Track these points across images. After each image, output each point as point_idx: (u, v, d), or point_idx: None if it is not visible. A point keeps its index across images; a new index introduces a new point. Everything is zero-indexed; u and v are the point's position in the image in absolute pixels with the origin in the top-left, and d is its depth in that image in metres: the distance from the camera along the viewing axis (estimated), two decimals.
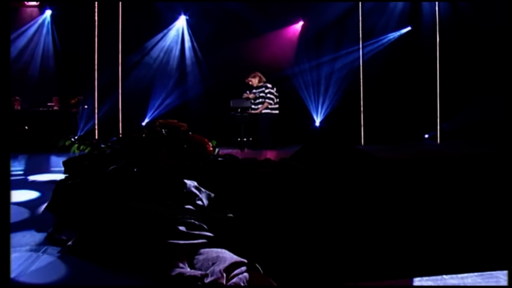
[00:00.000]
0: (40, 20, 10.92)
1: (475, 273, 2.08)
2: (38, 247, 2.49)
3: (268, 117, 8.76)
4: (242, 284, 1.95)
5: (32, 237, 2.73)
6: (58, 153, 8.86)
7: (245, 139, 8.80)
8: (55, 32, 10.85)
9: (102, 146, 5.83)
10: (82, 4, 10.40)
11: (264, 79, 9.00)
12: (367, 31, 11.29)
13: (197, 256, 2.16)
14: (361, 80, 11.33)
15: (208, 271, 1.94)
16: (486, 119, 10.01)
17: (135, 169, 3.50)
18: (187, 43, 11.16)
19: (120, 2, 10.29)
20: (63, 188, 3.41)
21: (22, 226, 3.03)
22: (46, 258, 2.32)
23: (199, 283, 1.84)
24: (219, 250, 2.23)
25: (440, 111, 11.22)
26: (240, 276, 2.01)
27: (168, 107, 10.69)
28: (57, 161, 7.46)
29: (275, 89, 8.89)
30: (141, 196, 3.13)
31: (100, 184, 3.19)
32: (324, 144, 9.28)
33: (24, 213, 3.43)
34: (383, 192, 3.79)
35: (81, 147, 6.21)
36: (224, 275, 1.94)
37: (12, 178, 5.60)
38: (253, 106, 8.95)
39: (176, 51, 11.07)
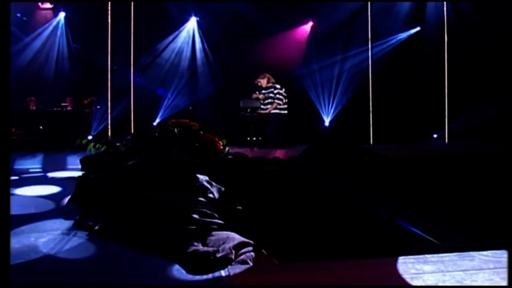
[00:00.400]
0: (54, 22, 11.37)
1: (454, 253, 2.41)
2: (68, 232, 2.86)
3: (277, 117, 9.09)
4: (249, 261, 2.30)
5: (62, 223, 3.10)
6: (72, 151, 9.29)
7: (254, 139, 9.14)
8: (69, 34, 11.29)
9: (117, 144, 6.20)
10: (94, 6, 10.84)
11: (273, 80, 9.33)
12: (375, 31, 11.58)
13: (209, 237, 2.52)
14: (370, 80, 11.62)
15: (219, 248, 2.29)
16: (495, 119, 10.22)
17: (152, 164, 3.86)
18: (198, 44, 11.53)
19: (132, 5, 10.70)
20: (86, 182, 3.78)
21: (51, 215, 3.40)
22: (76, 240, 2.68)
23: (212, 257, 2.18)
24: (229, 232, 2.58)
25: (448, 111, 11.47)
26: (247, 254, 2.36)
27: (179, 107, 11.07)
28: (73, 160, 7.88)
29: (283, 89, 9.22)
30: (158, 188, 3.49)
31: (120, 177, 3.56)
32: (331, 143, 9.59)
33: (51, 205, 3.81)
34: (385, 187, 4.10)
35: (97, 145, 6.59)
36: (233, 251, 2.28)
37: (33, 175, 6.02)
38: (262, 106, 9.29)
39: (187, 52, 11.45)
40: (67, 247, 2.54)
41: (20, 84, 10.59)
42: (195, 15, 11.67)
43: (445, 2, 11.56)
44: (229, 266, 2.18)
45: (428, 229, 3.04)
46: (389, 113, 11.39)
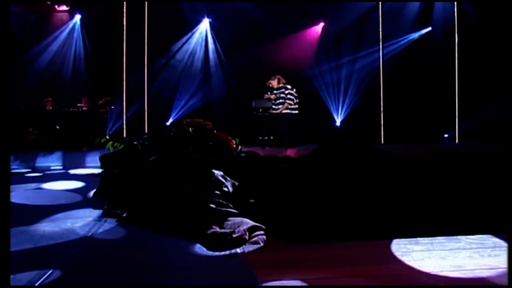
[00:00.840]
0: (70, 24, 11.87)
1: (443, 237, 2.76)
2: (99, 218, 3.27)
3: (288, 117, 9.46)
4: (260, 242, 2.68)
5: (91, 212, 3.50)
6: (89, 150, 9.78)
7: (266, 138, 9.52)
8: (85, 36, 11.77)
9: (135, 143, 6.60)
10: (110, 9, 11.30)
11: (283, 81, 9.70)
12: (385, 32, 11.90)
13: (225, 222, 2.90)
14: (381, 80, 11.94)
15: (235, 230, 2.68)
16: (504, 119, 10.47)
17: (171, 160, 4.26)
18: (211, 46, 11.95)
19: (146, 8, 11.15)
20: (111, 176, 4.20)
21: (80, 205, 3.81)
22: (108, 225, 3.09)
23: (228, 237, 2.57)
24: (243, 218, 2.97)
25: (459, 111, 11.75)
26: (259, 236, 2.74)
27: (192, 108, 11.49)
28: (90, 158, 8.36)
29: (294, 90, 9.58)
30: (178, 181, 3.88)
31: (143, 171, 3.96)
32: (340, 142, 9.92)
33: (78, 197, 4.23)
34: (390, 183, 4.44)
35: (115, 144, 7.00)
36: (247, 233, 2.66)
37: (56, 172, 6.47)
38: (273, 107, 9.66)
39: (200, 53, 11.87)
40: (100, 230, 2.95)
41: (38, 85, 11.08)
42: (208, 17, 12.07)
43: (455, 3, 11.84)
44: (243, 246, 2.56)
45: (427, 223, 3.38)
46: (400, 113, 11.70)
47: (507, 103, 10.37)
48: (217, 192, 3.94)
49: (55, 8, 12.04)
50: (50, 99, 11.55)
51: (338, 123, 12.18)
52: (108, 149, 7.26)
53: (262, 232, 2.80)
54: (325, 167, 5.29)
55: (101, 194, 4.18)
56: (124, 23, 10.70)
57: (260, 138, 9.53)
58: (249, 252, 2.47)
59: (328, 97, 12.07)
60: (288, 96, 9.47)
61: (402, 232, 2.88)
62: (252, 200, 3.93)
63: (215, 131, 7.28)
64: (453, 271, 2.15)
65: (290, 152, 8.21)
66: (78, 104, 11.62)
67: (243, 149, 7.29)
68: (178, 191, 3.51)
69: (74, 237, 2.78)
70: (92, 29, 11.62)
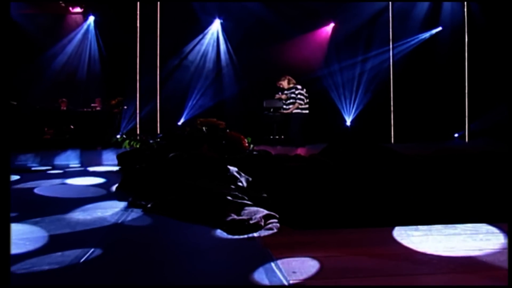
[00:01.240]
0: (85, 26, 12.30)
1: (441, 225, 3.08)
2: (126, 209, 3.62)
3: (298, 116, 9.79)
4: (274, 228, 3.01)
5: (117, 204, 3.86)
6: (103, 149, 10.19)
7: (277, 137, 9.86)
8: (99, 37, 12.20)
9: (151, 142, 6.98)
10: (123, 10, 11.71)
11: (293, 81, 10.03)
12: (395, 32, 12.19)
13: (242, 211, 3.24)
14: (391, 80, 12.23)
15: (252, 217, 3.01)
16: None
17: (189, 157, 4.61)
18: (222, 46, 12.32)
19: (158, 9, 11.54)
20: (133, 172, 4.56)
21: (106, 198, 4.17)
22: (134, 214, 3.44)
23: (246, 223, 2.91)
24: (258, 208, 3.30)
25: (469, 111, 12.01)
26: (273, 224, 3.07)
27: (204, 107, 11.87)
28: (106, 156, 8.77)
29: (304, 90, 9.91)
30: (196, 176, 4.23)
31: (164, 167, 4.32)
32: (349, 141, 10.23)
33: (102, 191, 4.59)
34: (396, 178, 4.74)
35: (132, 143, 7.38)
36: (263, 220, 3.00)
37: (75, 169, 6.85)
38: (284, 106, 10.00)
39: (211, 54, 12.25)
40: (129, 218, 3.30)
41: (54, 86, 11.52)
42: (219, 18, 12.44)
43: (465, 3, 12.10)
44: (259, 231, 2.90)
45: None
46: (410, 112, 11.98)
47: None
48: (232, 186, 4.28)
49: (69, 10, 12.49)
50: (64, 99, 12.00)
51: (348, 123, 12.48)
52: (125, 147, 7.65)
53: (275, 220, 3.14)
54: (335, 164, 5.61)
55: (123, 188, 4.54)
56: (138, 24, 11.10)
57: (271, 137, 9.87)
58: (265, 236, 2.80)
59: (338, 97, 12.39)
60: (299, 96, 9.79)
61: (404, 221, 3.20)
62: (265, 195, 4.26)
63: (228, 130, 7.63)
64: (446, 251, 2.47)
65: (300, 151, 8.52)
66: (92, 104, 12.05)
67: (255, 148, 7.64)
68: (198, 185, 3.85)
69: (106, 223, 3.14)
70: (105, 31, 12.04)
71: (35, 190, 4.65)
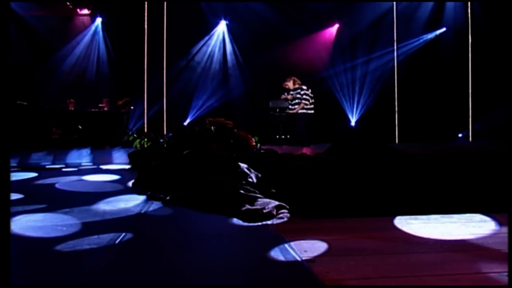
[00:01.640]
0: (93, 27, 12.68)
1: (440, 214, 3.40)
2: (146, 201, 3.96)
3: (304, 116, 10.12)
4: (285, 218, 3.34)
5: (137, 197, 4.20)
6: (111, 148, 10.54)
7: (283, 137, 10.20)
8: (107, 38, 12.57)
9: (161, 140, 7.34)
10: (130, 12, 12.07)
11: (299, 82, 10.36)
12: (399, 33, 12.53)
13: (256, 202, 3.57)
14: (396, 81, 12.55)
15: (265, 207, 3.35)
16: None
17: (202, 154, 4.95)
18: (228, 47, 12.68)
19: (165, 11, 11.90)
20: (149, 168, 4.90)
21: (125, 192, 4.52)
22: (155, 205, 3.77)
23: (260, 212, 3.24)
24: (270, 199, 3.64)
25: (472, 111, 12.33)
26: (284, 214, 3.40)
27: (209, 108, 12.22)
28: (115, 155, 9.11)
29: (310, 90, 10.24)
30: (209, 172, 4.56)
31: (179, 163, 4.66)
32: (353, 140, 10.56)
33: (120, 186, 4.93)
34: (398, 174, 5.06)
35: (143, 142, 7.74)
36: (275, 210, 3.33)
37: (88, 167, 7.20)
38: (290, 107, 10.33)
39: (218, 55, 12.61)
40: (150, 209, 3.64)
41: (64, 87, 11.91)
42: (225, 19, 12.79)
43: (469, 4, 12.42)
44: (272, 220, 3.23)
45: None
46: (414, 113, 12.30)
47: None
48: (243, 182, 4.61)
49: (77, 12, 12.86)
50: (72, 100, 12.37)
51: (353, 123, 12.80)
52: (136, 146, 8.01)
53: (286, 210, 3.46)
54: (340, 162, 5.93)
55: (140, 183, 4.88)
56: (146, 26, 11.45)
57: (277, 137, 10.21)
58: (277, 224, 3.13)
59: (343, 97, 12.72)
60: (304, 96, 10.13)
61: (405, 211, 3.52)
62: (274, 190, 4.59)
63: (235, 130, 7.99)
64: (441, 236, 2.79)
65: (306, 151, 8.83)
66: (100, 105, 12.41)
67: (262, 147, 7.98)
68: (212, 179, 4.19)
69: (130, 213, 3.48)
70: (113, 32, 12.41)
71: (56, 185, 5.00)
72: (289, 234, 2.77)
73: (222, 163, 4.87)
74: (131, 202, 3.93)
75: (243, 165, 4.98)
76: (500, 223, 3.11)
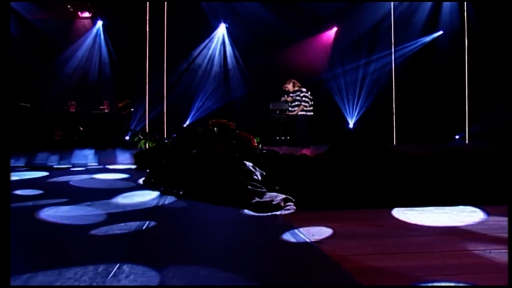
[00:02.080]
0: (94, 30, 13.04)
1: (434, 207, 3.76)
2: (160, 196, 4.31)
3: (303, 118, 10.50)
4: (292, 209, 3.70)
5: (151, 192, 4.54)
6: (112, 150, 10.89)
7: (283, 138, 10.57)
8: (108, 41, 12.93)
9: (166, 141, 7.69)
10: (130, 14, 12.42)
11: (298, 84, 10.75)
12: (397, 36, 12.93)
13: (264, 196, 3.93)
14: (393, 83, 12.95)
15: (273, 199, 3.70)
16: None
17: (209, 153, 5.31)
18: (228, 50, 13.05)
19: (165, 14, 12.26)
20: (159, 166, 5.26)
21: (138, 188, 4.87)
22: (170, 199, 4.13)
23: (269, 204, 3.60)
24: (277, 193, 4.00)
25: (469, 113, 12.74)
26: (291, 206, 3.76)
27: (211, 109, 12.58)
28: (118, 156, 9.45)
29: (309, 92, 10.62)
30: (217, 169, 4.92)
31: (188, 161, 5.01)
32: (352, 141, 10.93)
33: (132, 184, 5.28)
34: (396, 171, 5.43)
35: (148, 142, 8.08)
36: (282, 202, 3.69)
37: (95, 167, 7.54)
38: (290, 109, 10.71)
39: (218, 58, 12.98)
40: (166, 202, 3.99)
41: (67, 89, 12.26)
42: (224, 22, 13.17)
43: (465, 6, 12.84)
44: (280, 211, 3.58)
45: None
46: (412, 115, 12.69)
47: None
48: (249, 179, 4.97)
49: (78, 15, 13.21)
50: (73, 102, 12.71)
51: (351, 125, 13.19)
52: (140, 147, 8.36)
53: (292, 203, 3.83)
54: (340, 162, 6.30)
55: (151, 180, 5.23)
56: (147, 29, 11.80)
57: (278, 138, 10.58)
58: (285, 215, 3.49)
59: (341, 99, 13.10)
60: (304, 98, 10.51)
61: (401, 204, 3.89)
62: (278, 187, 4.94)
63: (237, 131, 8.34)
64: (434, 223, 3.16)
65: (306, 152, 9.20)
66: (100, 107, 12.76)
67: (264, 148, 8.33)
68: (221, 176, 4.54)
69: (148, 206, 3.83)
70: (115, 35, 12.77)
71: (71, 183, 5.34)
72: (297, 223, 3.12)
73: (229, 162, 5.22)
74: (147, 196, 4.28)
75: (249, 164, 5.34)
76: (488, 213, 3.47)
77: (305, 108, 10.50)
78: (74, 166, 7.72)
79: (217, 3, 12.74)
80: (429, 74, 12.91)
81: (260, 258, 2.39)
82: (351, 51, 13.02)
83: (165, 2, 12.28)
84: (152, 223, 3.11)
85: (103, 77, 12.90)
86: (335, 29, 13.41)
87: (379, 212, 3.56)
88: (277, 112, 10.79)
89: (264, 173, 5.37)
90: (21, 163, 7.72)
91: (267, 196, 3.91)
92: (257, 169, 5.37)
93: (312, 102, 10.62)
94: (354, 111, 13.15)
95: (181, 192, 4.27)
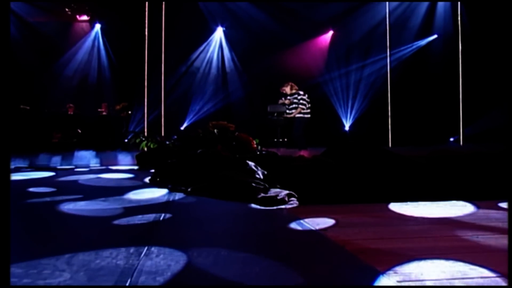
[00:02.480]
0: (92, 33, 13.32)
1: (427, 202, 4.08)
2: (169, 192, 4.61)
3: (301, 120, 10.82)
4: (295, 204, 4.00)
5: (159, 190, 4.84)
6: (112, 151, 11.15)
7: (281, 140, 10.89)
8: (107, 44, 13.22)
9: (167, 143, 7.99)
10: (128, 18, 12.71)
11: (296, 87, 11.07)
12: (392, 40, 13.31)
13: (269, 191, 4.23)
14: (389, 86, 13.31)
15: (278, 194, 4.01)
16: (505, 123, 11.78)
17: (213, 153, 5.61)
18: (226, 53, 13.38)
19: (163, 18, 12.56)
20: (165, 165, 5.55)
21: (145, 186, 5.16)
22: (179, 195, 4.42)
23: (274, 198, 3.90)
24: (280, 189, 4.30)
25: (463, 116, 13.12)
26: (294, 201, 4.06)
27: (209, 112, 12.89)
28: (120, 157, 9.73)
29: (306, 95, 10.95)
30: (221, 168, 5.22)
31: (194, 160, 5.31)
32: (348, 143, 11.26)
33: (138, 182, 5.57)
34: (392, 171, 5.75)
35: (149, 144, 8.37)
36: (286, 197, 4.00)
37: (98, 167, 7.82)
38: (287, 111, 11.03)
39: (216, 61, 13.30)
40: (176, 198, 4.29)
41: (67, 92, 12.53)
42: (221, 26, 13.49)
43: (458, 10, 13.25)
44: (285, 205, 3.89)
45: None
46: (407, 117, 13.06)
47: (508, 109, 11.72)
48: (252, 177, 5.27)
49: (76, 18, 13.49)
50: (71, 105, 12.98)
51: (347, 128, 13.53)
52: (142, 148, 8.65)
53: (295, 199, 4.13)
54: (337, 163, 6.61)
55: (157, 179, 5.53)
56: (146, 32, 12.11)
57: (275, 140, 10.90)
58: (289, 208, 3.80)
59: (337, 102, 13.45)
60: (301, 101, 10.83)
61: (397, 199, 4.21)
62: (279, 186, 5.24)
63: (237, 133, 8.64)
64: (428, 215, 3.47)
65: (303, 153, 9.52)
66: (99, 109, 13.04)
67: (263, 149, 8.64)
68: (226, 175, 4.85)
69: (160, 201, 4.12)
70: (113, 38, 13.06)
71: (79, 182, 5.62)
72: (302, 215, 3.43)
73: (232, 161, 5.53)
74: (156, 193, 4.58)
75: (251, 163, 5.64)
76: (478, 206, 3.79)
77: (302, 111, 10.82)
78: (77, 167, 8.00)
79: (215, 7, 13.06)
80: (424, 77, 13.28)
81: (272, 242, 2.69)
82: (347, 55, 13.38)
83: (163, 6, 12.59)
84: (168, 215, 3.40)
85: (102, 80, 13.18)
86: (331, 32, 13.77)
87: (377, 206, 3.88)
88: (275, 114, 11.10)
89: (265, 172, 5.67)
90: (24, 164, 7.99)
91: (271, 191, 4.22)
92: (259, 168, 5.67)
93: (309, 105, 10.93)
94: (350, 114, 13.50)
95: (189, 189, 4.57)
